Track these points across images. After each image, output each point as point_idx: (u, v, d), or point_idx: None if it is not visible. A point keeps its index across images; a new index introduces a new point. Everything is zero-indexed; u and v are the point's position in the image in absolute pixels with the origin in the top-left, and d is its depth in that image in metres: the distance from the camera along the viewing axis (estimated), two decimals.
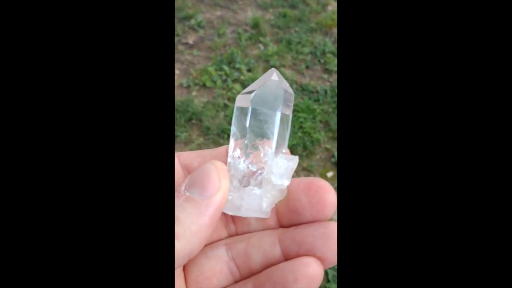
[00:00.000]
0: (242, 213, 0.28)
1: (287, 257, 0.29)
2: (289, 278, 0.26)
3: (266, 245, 0.29)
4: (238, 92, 1.57)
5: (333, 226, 0.27)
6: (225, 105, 1.66)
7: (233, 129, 0.29)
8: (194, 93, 1.72)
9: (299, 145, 1.50)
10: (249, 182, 0.29)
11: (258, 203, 0.28)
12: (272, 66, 1.78)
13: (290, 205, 0.29)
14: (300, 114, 1.61)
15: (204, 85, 1.74)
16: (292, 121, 1.56)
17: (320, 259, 0.27)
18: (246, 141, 0.28)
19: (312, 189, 0.28)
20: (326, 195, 0.27)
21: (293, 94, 0.29)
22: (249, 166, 0.29)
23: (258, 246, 0.29)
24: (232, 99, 1.68)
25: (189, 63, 1.85)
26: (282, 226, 0.30)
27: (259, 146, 0.28)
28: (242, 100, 0.29)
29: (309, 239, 0.28)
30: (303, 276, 0.26)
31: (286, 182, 0.28)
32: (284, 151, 0.29)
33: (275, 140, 0.28)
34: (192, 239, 0.24)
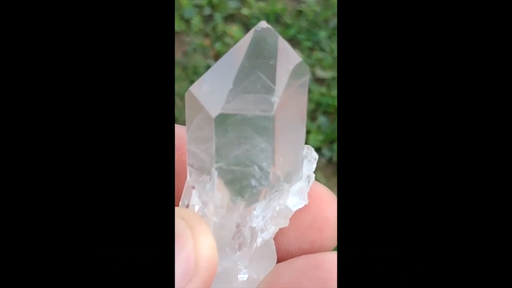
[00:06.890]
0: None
1: None
2: None
3: None
4: (234, 45, 1.17)
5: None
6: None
7: (189, 151, 0.23)
8: None
9: None
10: (246, 238, 0.23)
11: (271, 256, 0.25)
12: None
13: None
14: None
15: None
16: None
17: None
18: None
19: (314, 204, 0.24)
20: (326, 211, 0.24)
21: (307, 67, 0.23)
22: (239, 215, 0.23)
23: None
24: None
25: None
26: None
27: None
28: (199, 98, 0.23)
29: None
30: None
31: (306, 201, 0.24)
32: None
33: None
34: None
